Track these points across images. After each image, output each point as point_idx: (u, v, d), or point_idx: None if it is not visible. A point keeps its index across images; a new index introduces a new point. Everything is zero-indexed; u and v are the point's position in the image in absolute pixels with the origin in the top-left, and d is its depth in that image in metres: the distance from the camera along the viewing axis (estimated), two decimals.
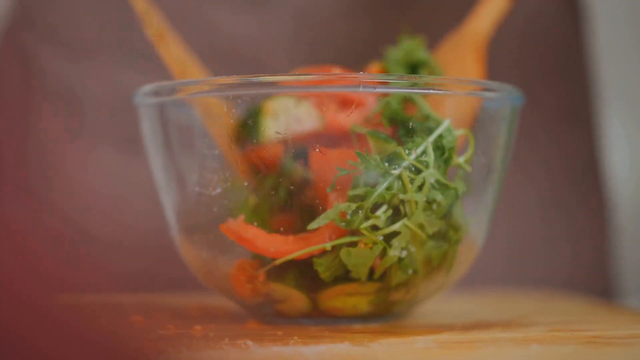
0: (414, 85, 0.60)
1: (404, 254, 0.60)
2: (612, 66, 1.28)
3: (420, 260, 0.61)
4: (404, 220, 0.59)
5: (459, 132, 0.61)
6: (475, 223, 0.64)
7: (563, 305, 0.79)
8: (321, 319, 0.63)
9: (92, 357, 0.43)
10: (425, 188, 0.59)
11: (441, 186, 0.60)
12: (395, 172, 0.59)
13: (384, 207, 0.59)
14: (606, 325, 0.64)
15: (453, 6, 0.92)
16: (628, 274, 1.17)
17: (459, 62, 0.71)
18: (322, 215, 0.59)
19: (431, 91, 0.61)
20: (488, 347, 0.54)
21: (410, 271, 0.61)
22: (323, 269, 0.60)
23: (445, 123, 0.60)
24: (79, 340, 0.43)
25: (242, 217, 0.61)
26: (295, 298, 0.62)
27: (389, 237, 0.59)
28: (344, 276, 0.61)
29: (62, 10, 0.93)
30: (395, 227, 0.59)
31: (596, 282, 1.00)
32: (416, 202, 0.59)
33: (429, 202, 0.60)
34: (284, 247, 0.60)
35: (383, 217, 0.59)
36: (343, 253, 0.59)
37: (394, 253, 0.60)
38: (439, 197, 0.60)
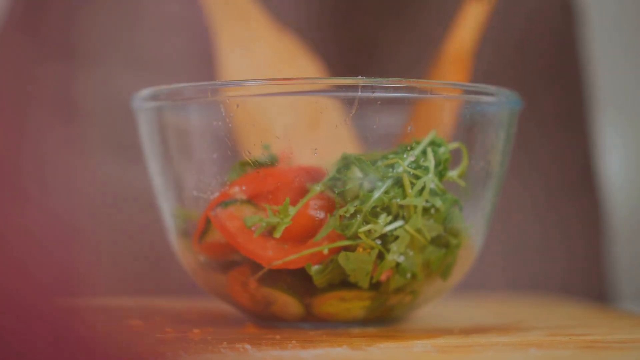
0: (411, 90, 0.60)
1: (402, 258, 0.60)
2: (606, 71, 1.28)
3: (418, 264, 0.61)
4: (403, 225, 0.59)
5: (453, 145, 0.61)
6: (474, 228, 0.64)
7: (561, 309, 0.79)
8: (319, 323, 0.63)
9: None
10: (425, 193, 0.59)
11: (440, 191, 0.60)
12: (393, 174, 0.59)
13: (384, 213, 0.59)
14: (604, 330, 0.64)
15: (432, 23, 0.92)
16: (623, 279, 1.17)
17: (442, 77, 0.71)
18: (325, 226, 0.59)
19: (428, 95, 0.61)
20: (486, 352, 0.54)
21: (408, 275, 0.61)
22: (317, 275, 0.60)
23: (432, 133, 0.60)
24: (77, 344, 0.43)
25: (232, 208, 0.61)
26: (287, 303, 0.62)
27: (387, 242, 0.59)
28: (339, 282, 0.60)
29: (57, 16, 0.93)
30: (394, 231, 0.59)
31: (591, 287, 1.00)
32: (415, 207, 0.59)
33: (428, 207, 0.60)
34: (263, 250, 0.60)
35: (382, 222, 0.59)
36: (341, 257, 0.59)
37: (392, 257, 0.59)
38: (438, 202, 0.60)
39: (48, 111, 0.92)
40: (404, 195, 0.59)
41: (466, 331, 0.62)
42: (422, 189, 0.59)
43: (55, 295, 0.44)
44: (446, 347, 0.55)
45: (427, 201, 0.59)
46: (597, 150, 1.03)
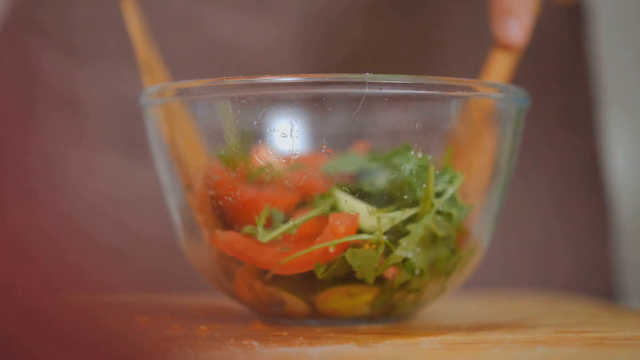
0: (419, 87, 0.60)
1: (409, 254, 0.60)
2: (612, 71, 1.28)
3: (425, 261, 0.61)
4: (414, 221, 0.59)
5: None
6: (481, 225, 0.64)
7: (568, 307, 0.79)
8: (326, 320, 0.63)
9: (97, 358, 0.43)
10: (444, 197, 0.59)
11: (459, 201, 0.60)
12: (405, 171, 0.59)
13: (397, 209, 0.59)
14: (612, 327, 0.63)
15: (457, 11, 0.91)
16: (630, 276, 1.17)
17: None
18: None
19: (436, 92, 0.61)
20: (493, 349, 0.54)
21: (417, 272, 0.61)
22: (321, 269, 0.60)
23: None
24: (84, 341, 0.43)
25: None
26: (292, 302, 0.62)
27: (396, 237, 0.59)
28: (343, 277, 0.60)
29: (62, 13, 0.93)
30: (406, 226, 0.59)
31: (598, 285, 1.00)
32: (432, 205, 0.59)
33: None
34: (275, 258, 0.60)
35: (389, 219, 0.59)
36: (348, 254, 0.59)
37: (400, 253, 0.59)
38: (454, 211, 0.60)
39: (53, 109, 0.93)
40: (415, 193, 0.59)
41: (473, 328, 0.62)
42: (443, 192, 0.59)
43: (62, 292, 0.44)
44: (453, 344, 0.55)
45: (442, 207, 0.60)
46: (603, 150, 1.03)
